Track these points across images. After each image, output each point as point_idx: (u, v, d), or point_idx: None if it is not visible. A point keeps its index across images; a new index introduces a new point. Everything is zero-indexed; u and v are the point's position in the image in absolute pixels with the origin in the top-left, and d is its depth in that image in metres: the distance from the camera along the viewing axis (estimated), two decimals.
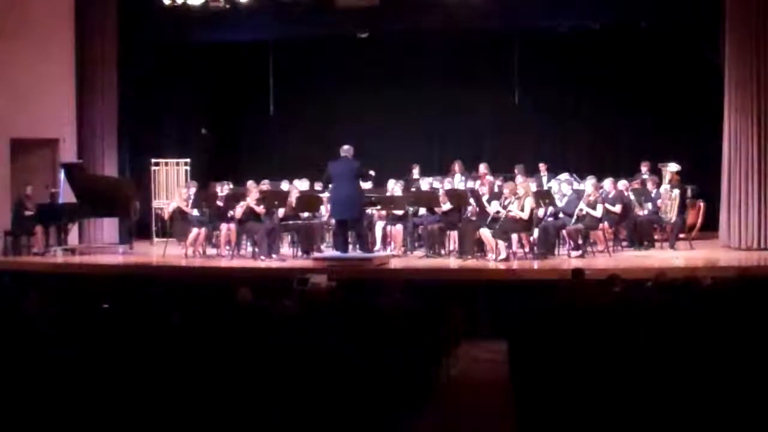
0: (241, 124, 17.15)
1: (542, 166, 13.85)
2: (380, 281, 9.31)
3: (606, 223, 11.75)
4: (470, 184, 13.14)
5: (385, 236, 12.44)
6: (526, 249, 11.49)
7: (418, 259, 11.78)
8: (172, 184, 15.02)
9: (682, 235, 12.51)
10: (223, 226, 12.19)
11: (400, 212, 12.26)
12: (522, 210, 11.03)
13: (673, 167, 13.14)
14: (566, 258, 11.43)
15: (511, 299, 8.91)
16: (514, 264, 10.98)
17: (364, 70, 15.86)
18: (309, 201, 12.45)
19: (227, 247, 12.20)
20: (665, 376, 4.19)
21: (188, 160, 15.31)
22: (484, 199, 11.82)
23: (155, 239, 14.60)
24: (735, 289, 6.86)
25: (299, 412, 4.46)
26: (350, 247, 11.24)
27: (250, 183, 12.60)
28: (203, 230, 12.34)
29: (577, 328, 5.44)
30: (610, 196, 12.09)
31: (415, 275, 10.53)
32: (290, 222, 12.29)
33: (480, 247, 11.51)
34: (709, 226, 13.16)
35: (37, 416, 4.13)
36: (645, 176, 13.19)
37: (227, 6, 13.58)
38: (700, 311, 5.70)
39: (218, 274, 11.02)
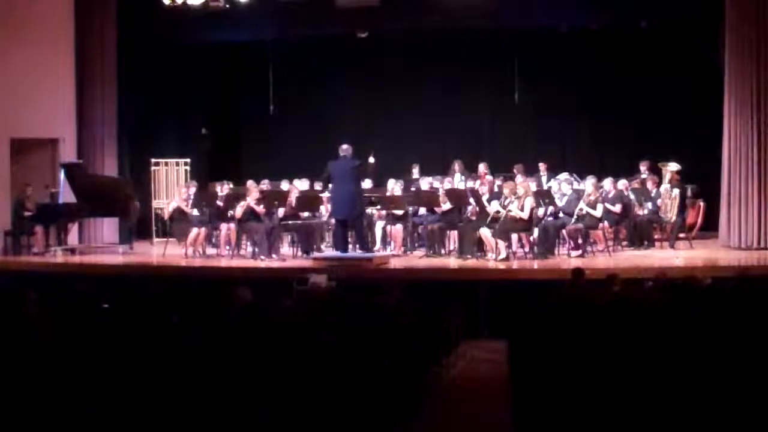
0: (241, 124, 17.16)
1: (542, 166, 13.85)
2: (380, 281, 9.31)
3: (606, 223, 11.75)
4: (470, 183, 13.13)
5: (385, 236, 12.44)
6: (526, 249, 11.49)
7: (418, 259, 11.78)
8: (172, 184, 15.02)
9: (681, 235, 12.51)
10: (223, 226, 12.19)
11: (400, 212, 12.26)
12: (522, 210, 11.03)
13: (673, 167, 13.14)
14: (566, 258, 11.43)
15: (511, 299, 8.90)
16: (514, 264, 10.98)
17: (364, 70, 15.86)
18: (309, 201, 12.45)
19: (227, 247, 12.21)
20: (665, 376, 4.19)
21: (188, 159, 15.32)
22: (484, 198, 11.82)
23: (155, 239, 14.60)
24: (735, 288, 6.85)
25: (299, 411, 4.46)
26: (350, 246, 11.25)
27: (250, 183, 12.61)
28: (203, 230, 12.35)
29: (576, 327, 5.44)
30: (610, 195, 12.09)
31: (415, 275, 10.54)
32: (290, 222, 12.29)
33: (480, 246, 11.51)
34: (709, 226, 13.16)
35: (37, 416, 4.13)
36: (644, 176, 13.20)
37: (227, 6, 13.58)
38: (699, 311, 5.70)
39: (218, 274, 11.02)
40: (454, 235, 12.06)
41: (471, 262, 11.25)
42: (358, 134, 13.45)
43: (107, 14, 14.32)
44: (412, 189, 13.01)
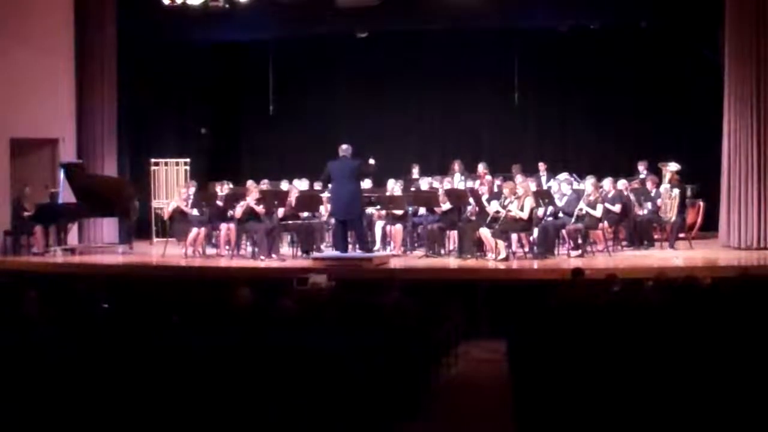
0: (241, 124, 17.16)
1: (542, 166, 13.86)
2: (380, 281, 9.30)
3: (606, 223, 11.75)
4: (470, 183, 13.14)
5: (384, 236, 12.43)
6: (526, 249, 11.49)
7: (418, 259, 11.78)
8: (172, 184, 15.01)
9: (681, 235, 12.50)
10: (223, 226, 12.19)
11: (399, 212, 12.25)
12: (522, 210, 11.03)
13: (673, 167, 13.14)
14: (566, 258, 11.43)
15: (510, 299, 8.90)
16: (514, 264, 10.98)
17: (364, 69, 15.86)
18: (308, 201, 12.45)
19: (227, 247, 12.20)
20: (665, 376, 4.19)
21: (188, 159, 15.30)
22: (484, 198, 11.81)
23: (155, 239, 14.60)
24: (735, 288, 6.86)
25: (299, 411, 4.46)
26: (350, 246, 11.25)
27: (250, 183, 12.60)
28: (203, 230, 12.35)
29: (576, 327, 5.45)
30: (610, 195, 12.08)
31: (415, 275, 10.52)
32: (290, 222, 12.28)
33: (479, 246, 11.50)
34: (709, 226, 13.16)
35: (37, 416, 4.13)
36: (643, 175, 13.20)
37: (227, 5, 13.57)
38: (699, 311, 5.70)
39: (218, 274, 11.01)
40: (453, 235, 12.06)
41: (471, 262, 11.25)
42: (358, 134, 13.45)
43: (107, 14, 14.31)
44: (412, 189, 13.01)
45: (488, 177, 13.14)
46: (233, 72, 16.85)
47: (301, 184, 13.31)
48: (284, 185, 13.23)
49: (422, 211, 12.39)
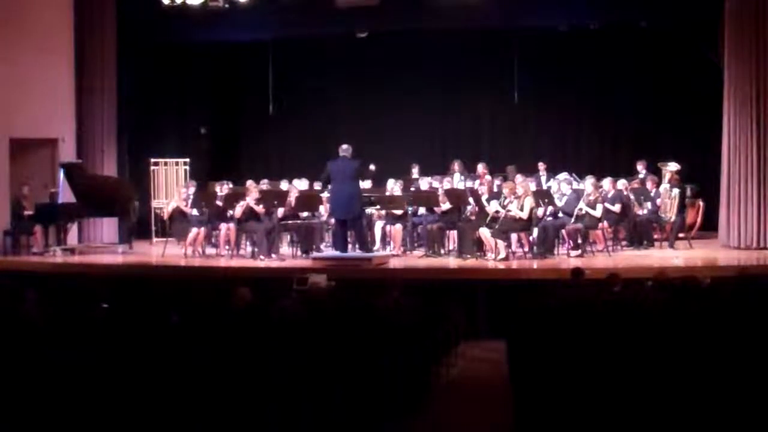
0: (241, 124, 17.15)
1: (541, 166, 13.86)
2: (379, 281, 9.30)
3: (605, 223, 11.75)
4: (469, 183, 13.14)
5: (384, 236, 12.44)
6: (526, 248, 11.49)
7: (418, 259, 11.78)
8: (172, 184, 15.01)
9: (681, 235, 12.51)
10: (223, 226, 12.19)
11: (399, 212, 12.26)
12: (521, 209, 11.03)
13: (672, 166, 13.14)
14: (565, 257, 11.43)
15: (510, 299, 8.90)
16: (514, 263, 10.99)
17: (364, 69, 15.85)
18: (308, 201, 12.45)
19: (226, 247, 12.20)
20: (664, 376, 4.19)
21: (187, 159, 15.30)
22: (484, 198, 11.81)
23: (154, 239, 14.59)
24: (734, 288, 6.85)
25: (299, 411, 4.46)
26: (350, 246, 11.25)
27: (250, 183, 12.60)
28: (202, 230, 12.34)
29: (576, 327, 5.44)
30: (610, 195, 12.09)
31: (415, 275, 10.53)
32: (289, 222, 12.28)
33: (479, 246, 11.51)
34: (709, 226, 13.17)
35: (37, 416, 4.12)
36: (642, 175, 13.20)
37: (226, 5, 13.58)
38: (699, 311, 5.70)
39: (217, 274, 11.01)
40: (453, 235, 12.06)
41: (470, 261, 11.25)
42: (358, 134, 13.44)
43: (106, 14, 14.32)
44: (412, 189, 13.00)
45: (488, 177, 13.14)
46: (233, 72, 16.84)
47: (301, 184, 13.30)
48: (284, 185, 13.22)
49: (422, 210, 12.39)
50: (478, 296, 9.92)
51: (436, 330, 7.40)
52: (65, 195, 13.14)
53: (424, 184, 13.14)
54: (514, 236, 11.42)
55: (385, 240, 12.43)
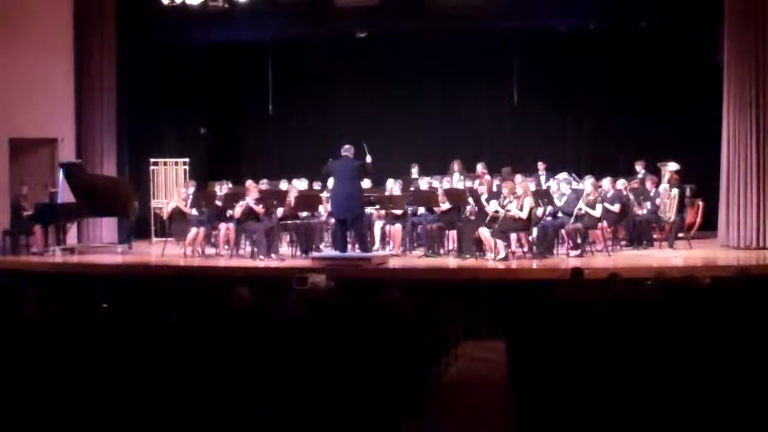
0: (240, 124, 17.16)
1: (541, 166, 13.87)
2: (379, 281, 9.30)
3: (605, 223, 11.75)
4: (469, 183, 13.14)
5: (384, 236, 12.44)
6: (525, 248, 11.49)
7: (417, 259, 11.78)
8: (171, 184, 15.01)
9: (680, 235, 12.51)
10: (222, 226, 12.19)
11: (399, 212, 12.26)
12: (521, 209, 11.03)
13: (672, 166, 13.14)
14: (565, 257, 11.44)
15: (509, 299, 8.91)
16: (513, 263, 10.99)
17: (363, 69, 15.87)
18: (308, 200, 12.45)
19: (226, 247, 12.20)
20: (664, 376, 4.19)
21: (187, 159, 15.30)
22: (483, 198, 11.81)
23: (154, 239, 14.60)
24: (734, 288, 6.86)
25: (299, 411, 4.45)
26: (349, 246, 11.25)
27: (249, 182, 12.59)
28: (202, 230, 12.35)
29: (575, 327, 5.44)
30: (609, 195, 12.09)
31: (414, 275, 10.54)
32: (289, 221, 12.28)
33: (479, 246, 11.51)
34: (708, 226, 13.18)
35: (36, 417, 4.12)
36: (641, 175, 13.21)
37: (226, 5, 13.58)
38: (698, 310, 5.70)
39: (217, 274, 11.01)
40: (453, 234, 12.06)
41: (470, 261, 11.25)
42: (357, 134, 13.40)
43: (106, 13, 14.32)
44: (411, 189, 13.01)
45: (487, 177, 13.15)
46: (232, 71, 16.85)
47: (300, 184, 13.31)
48: (283, 185, 13.23)
49: (421, 210, 12.40)
50: (477, 296, 9.92)
51: (436, 330, 7.40)
52: (65, 195, 13.15)
53: (424, 183, 13.14)
54: (513, 236, 11.42)
55: (384, 240, 12.43)
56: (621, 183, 12.54)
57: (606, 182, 12.28)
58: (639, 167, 13.40)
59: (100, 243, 14.10)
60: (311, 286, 8.69)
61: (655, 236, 12.74)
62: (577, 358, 4.65)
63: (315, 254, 11.65)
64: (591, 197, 11.56)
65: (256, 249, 11.74)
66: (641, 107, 14.97)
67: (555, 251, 11.74)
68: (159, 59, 15.20)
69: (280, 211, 12.04)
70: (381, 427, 5.54)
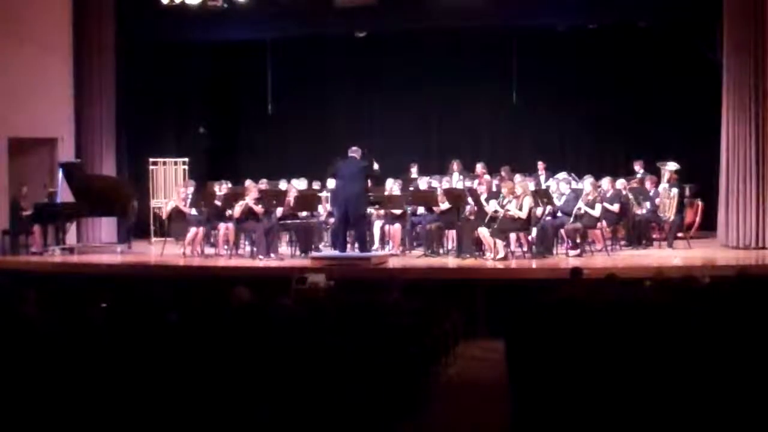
0: (239, 124, 17.14)
1: (540, 165, 13.86)
2: (378, 280, 9.30)
3: (604, 223, 11.76)
4: (468, 183, 13.14)
5: (383, 235, 12.43)
6: (525, 248, 11.49)
7: (417, 259, 11.78)
8: (171, 184, 15.01)
9: (680, 234, 12.51)
10: (222, 226, 12.18)
11: (398, 211, 12.26)
12: (520, 209, 11.04)
13: (671, 166, 13.14)
14: (564, 257, 11.44)
15: (509, 298, 8.91)
16: (513, 263, 10.99)
17: (362, 69, 15.86)
18: (307, 200, 12.45)
19: (225, 247, 12.20)
20: (663, 376, 4.19)
21: (186, 159, 15.30)
22: (483, 198, 11.81)
23: (153, 239, 14.60)
24: (733, 288, 6.86)
25: (298, 411, 4.45)
26: (349, 246, 11.25)
27: (249, 182, 12.60)
28: (201, 229, 12.35)
29: (575, 327, 5.44)
30: (608, 195, 12.09)
31: (414, 274, 10.52)
32: (288, 221, 12.28)
33: (478, 246, 11.51)
34: (708, 225, 13.18)
35: (36, 416, 4.12)
36: (640, 175, 13.21)
37: (225, 5, 13.59)
38: (698, 310, 5.70)
39: (216, 274, 11.01)
40: (452, 234, 12.06)
41: (469, 261, 11.25)
42: (357, 134, 13.47)
43: (105, 13, 14.32)
44: (411, 188, 13.00)
45: (487, 176, 13.15)
46: (232, 71, 16.83)
47: (300, 184, 13.31)
48: (283, 185, 13.22)
49: (421, 210, 12.39)
50: (476, 296, 9.92)
51: (435, 329, 7.40)
52: (64, 195, 13.15)
53: (423, 183, 13.14)
54: (512, 236, 11.42)
55: (383, 240, 12.43)
56: (620, 183, 12.54)
57: (605, 182, 12.28)
58: (638, 167, 13.40)
59: (100, 243, 14.10)
60: (311, 286, 8.70)
61: (654, 236, 12.75)
62: (576, 358, 4.66)
63: (314, 254, 11.64)
64: (590, 197, 11.57)
65: (255, 249, 11.74)
66: (641, 107, 14.97)
67: (554, 251, 11.74)
68: (158, 59, 15.19)
69: (279, 211, 12.04)
70: (380, 427, 5.54)
